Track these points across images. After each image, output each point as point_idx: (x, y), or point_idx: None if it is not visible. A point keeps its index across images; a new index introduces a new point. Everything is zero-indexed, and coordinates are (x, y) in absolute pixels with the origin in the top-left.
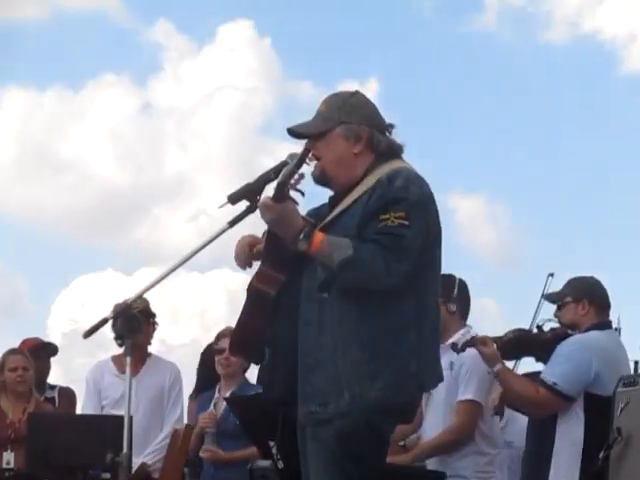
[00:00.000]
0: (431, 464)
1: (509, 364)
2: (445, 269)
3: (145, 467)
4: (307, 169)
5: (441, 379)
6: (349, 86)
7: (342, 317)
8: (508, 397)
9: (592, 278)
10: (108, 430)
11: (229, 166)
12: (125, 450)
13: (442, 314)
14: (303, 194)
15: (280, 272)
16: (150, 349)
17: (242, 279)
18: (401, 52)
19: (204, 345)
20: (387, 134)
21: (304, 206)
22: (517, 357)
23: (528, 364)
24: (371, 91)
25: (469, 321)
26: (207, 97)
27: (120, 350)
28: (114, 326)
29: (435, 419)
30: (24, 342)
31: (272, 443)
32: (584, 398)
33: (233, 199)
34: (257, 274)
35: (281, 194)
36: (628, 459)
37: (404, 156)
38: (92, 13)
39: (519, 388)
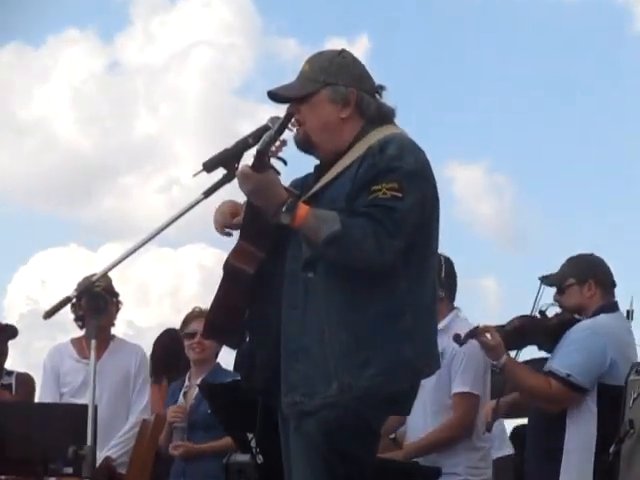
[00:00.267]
0: (421, 460)
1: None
2: (441, 246)
3: (109, 461)
4: (290, 135)
5: (439, 365)
6: (337, 44)
7: (329, 299)
8: (518, 392)
9: (593, 255)
10: (70, 420)
11: (204, 131)
12: (89, 443)
13: None
14: (285, 162)
15: (260, 249)
16: (114, 331)
17: (218, 255)
18: (395, 5)
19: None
20: (377, 97)
21: (287, 176)
22: (520, 347)
23: (528, 351)
24: (361, 49)
25: (457, 302)
26: (180, 55)
27: (81, 332)
28: (75, 306)
29: (422, 410)
30: None
31: (251, 435)
32: (597, 389)
33: (209, 167)
34: (234, 250)
35: (261, 163)
36: None
37: (396, 121)
38: None
39: (531, 382)
